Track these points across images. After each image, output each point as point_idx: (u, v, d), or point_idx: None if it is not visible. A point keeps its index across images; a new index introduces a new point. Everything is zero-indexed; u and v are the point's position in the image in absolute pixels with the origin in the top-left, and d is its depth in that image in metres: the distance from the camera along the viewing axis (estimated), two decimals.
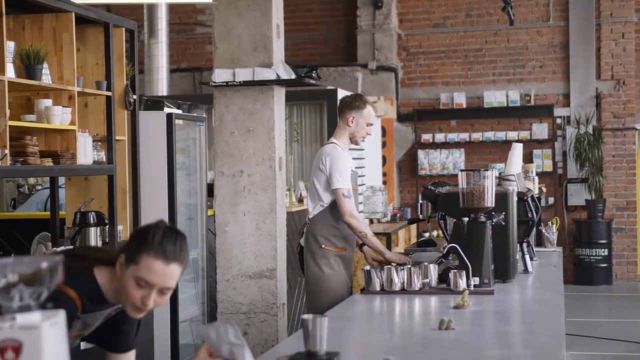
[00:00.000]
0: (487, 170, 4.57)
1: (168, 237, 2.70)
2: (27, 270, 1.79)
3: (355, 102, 5.45)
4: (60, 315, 1.83)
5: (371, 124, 5.48)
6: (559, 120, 13.17)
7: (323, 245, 5.34)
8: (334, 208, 5.29)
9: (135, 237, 2.76)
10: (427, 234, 10.72)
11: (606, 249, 12.64)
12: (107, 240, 5.84)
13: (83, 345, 4.82)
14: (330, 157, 5.31)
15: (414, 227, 11.33)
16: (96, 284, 2.78)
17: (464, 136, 13.25)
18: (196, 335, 7.03)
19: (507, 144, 11.90)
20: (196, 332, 6.66)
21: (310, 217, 5.43)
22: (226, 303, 5.85)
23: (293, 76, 5.79)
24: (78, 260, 2.82)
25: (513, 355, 3.14)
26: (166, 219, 6.48)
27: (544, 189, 11.38)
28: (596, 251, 12.61)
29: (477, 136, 13.21)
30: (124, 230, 6.09)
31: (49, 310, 1.82)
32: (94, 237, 5.64)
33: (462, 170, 4.62)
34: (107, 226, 5.81)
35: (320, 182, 5.34)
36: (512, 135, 13.01)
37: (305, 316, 2.81)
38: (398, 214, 11.09)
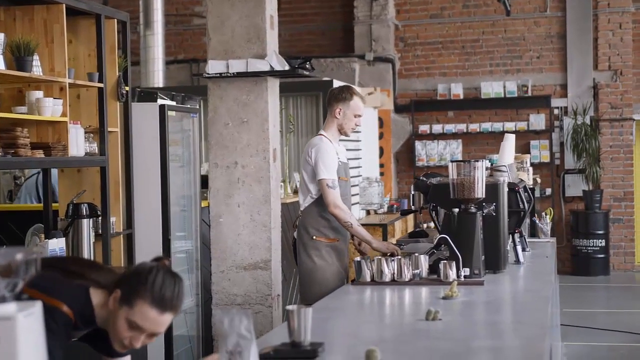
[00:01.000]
0: (478, 161, 4.57)
1: (167, 285, 2.68)
2: (1, 261, 1.80)
3: (342, 93, 5.47)
4: (36, 307, 1.83)
5: (359, 115, 5.49)
6: (556, 111, 13.16)
7: (314, 237, 5.37)
8: (323, 199, 5.32)
9: (134, 275, 2.71)
10: (424, 225, 10.73)
11: (603, 240, 12.64)
12: (99, 232, 5.84)
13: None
14: (316, 148, 5.34)
15: (410, 218, 11.34)
16: (90, 305, 2.75)
17: (461, 127, 13.24)
18: (190, 327, 7.04)
19: (504, 134, 11.90)
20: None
21: (301, 209, 5.47)
22: (221, 294, 5.86)
23: (287, 67, 5.78)
24: (76, 278, 2.79)
25: (497, 345, 3.15)
26: (159, 211, 6.53)
27: (539, 180, 11.36)
28: (593, 242, 12.62)
29: (474, 127, 13.21)
30: (116, 222, 6.09)
31: (24, 301, 1.82)
32: (87, 228, 5.64)
33: (452, 161, 4.62)
34: (99, 218, 5.81)
35: (308, 174, 5.39)
36: (510, 126, 13.01)
37: (290, 307, 2.82)
38: (395, 205, 11.09)
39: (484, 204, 4.62)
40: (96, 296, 2.75)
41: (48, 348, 2.10)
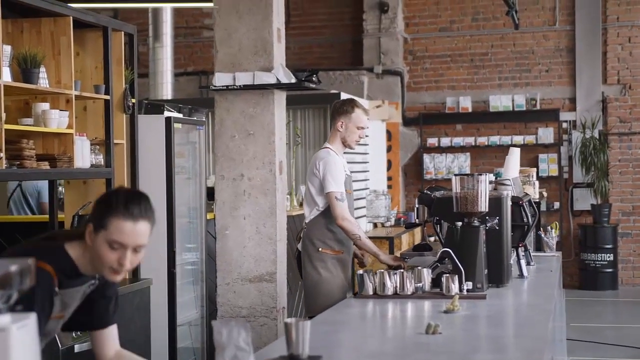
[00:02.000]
0: (481, 174, 4.57)
1: (131, 197, 2.81)
2: None
3: (344, 106, 5.53)
4: (30, 318, 1.84)
5: (362, 128, 5.53)
6: (564, 125, 13.14)
7: (320, 249, 5.41)
8: (330, 212, 5.35)
9: (99, 204, 2.84)
10: (432, 239, 10.71)
11: (612, 254, 12.60)
12: None
13: (78, 347, 4.86)
14: (324, 161, 5.39)
15: (418, 231, 11.33)
16: (69, 258, 2.86)
17: (469, 140, 13.24)
18: (194, 339, 7.04)
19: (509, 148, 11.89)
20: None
21: (306, 221, 5.51)
22: (226, 307, 5.87)
23: (293, 80, 5.80)
24: (49, 241, 2.93)
25: (497, 358, 3.14)
26: (165, 223, 6.53)
27: (545, 194, 11.34)
28: (602, 256, 12.57)
29: (482, 140, 13.20)
30: None
31: (18, 312, 1.84)
32: None
33: (456, 175, 4.62)
34: None
35: (315, 187, 5.43)
36: (518, 139, 12.99)
37: (288, 320, 2.83)
38: (402, 218, 11.08)
39: (487, 217, 4.61)
40: (73, 249, 2.87)
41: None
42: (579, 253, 12.84)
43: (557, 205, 12.93)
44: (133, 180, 6.26)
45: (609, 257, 12.57)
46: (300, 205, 8.90)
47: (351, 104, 5.54)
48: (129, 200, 2.79)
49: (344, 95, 10.75)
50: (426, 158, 13.36)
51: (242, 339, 2.55)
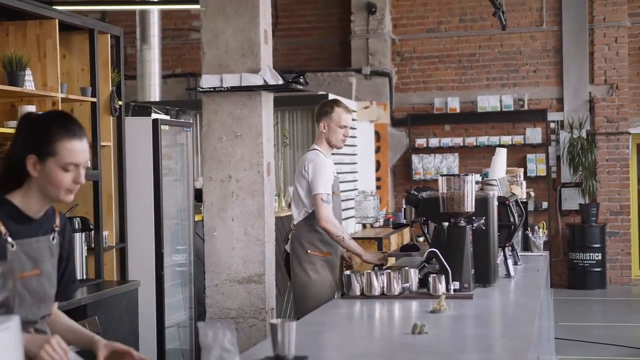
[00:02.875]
0: (467, 175, 4.58)
1: (67, 119, 2.84)
2: None
3: (324, 107, 5.63)
4: (14, 321, 1.84)
5: (344, 126, 5.60)
6: (552, 125, 13.18)
7: (309, 251, 5.45)
8: None
9: (34, 133, 2.81)
10: (421, 239, 10.73)
11: (600, 253, 12.64)
12: (92, 246, 5.85)
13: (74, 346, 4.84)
14: (313, 163, 5.46)
15: (407, 231, 11.34)
16: (13, 205, 2.84)
17: (457, 141, 13.26)
18: (183, 341, 7.03)
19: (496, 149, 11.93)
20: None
21: (294, 222, 5.55)
22: (215, 308, 5.86)
23: (280, 82, 5.80)
24: None
25: (483, 358, 3.16)
26: (152, 224, 6.53)
27: (532, 194, 11.38)
28: (590, 255, 12.62)
29: (471, 141, 13.23)
30: (109, 236, 6.10)
31: (1, 315, 1.84)
32: (79, 242, 5.65)
33: (442, 175, 4.64)
34: (92, 232, 5.83)
35: (303, 189, 5.49)
36: (506, 139, 13.03)
37: (274, 321, 2.83)
38: (391, 219, 11.09)
39: (473, 217, 4.63)
40: (13, 197, 2.84)
41: None
42: (568, 252, 12.88)
43: (545, 205, 12.97)
44: (120, 182, 6.26)
45: (597, 256, 12.62)
46: (289, 206, 8.90)
47: (331, 104, 5.64)
48: (67, 121, 2.82)
49: (332, 97, 10.76)
50: (415, 159, 13.38)
51: (228, 340, 2.56)
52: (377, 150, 12.86)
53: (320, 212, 5.33)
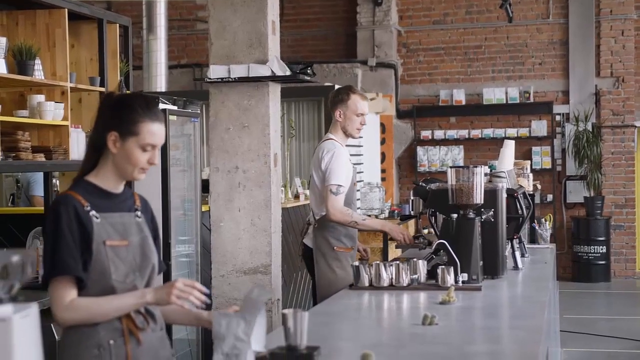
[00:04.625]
0: (476, 167, 4.58)
1: (150, 102, 2.97)
2: None
3: (339, 95, 5.48)
4: (32, 308, 1.85)
5: (361, 114, 5.45)
6: (558, 118, 13.18)
7: (335, 247, 5.33)
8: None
9: (118, 111, 2.94)
10: (426, 231, 10.73)
11: (604, 246, 12.65)
12: None
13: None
14: (330, 154, 5.33)
15: (412, 223, 11.35)
16: (90, 183, 2.97)
17: (463, 133, 13.26)
18: (189, 331, 7.05)
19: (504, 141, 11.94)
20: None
21: (317, 217, 5.39)
22: (221, 299, 5.87)
23: (288, 73, 5.78)
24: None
25: (492, 350, 3.16)
26: (160, 215, 6.53)
27: (539, 186, 11.38)
28: (594, 248, 12.62)
29: (476, 133, 13.23)
30: None
31: (20, 303, 1.84)
32: None
33: (451, 167, 4.63)
34: None
35: (321, 180, 5.35)
36: (511, 132, 13.02)
37: (286, 311, 2.83)
38: (396, 211, 11.09)
39: (482, 209, 4.63)
40: (91, 177, 2.97)
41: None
42: (572, 245, 12.88)
43: (550, 197, 12.97)
44: None
45: (601, 249, 12.62)
46: (295, 197, 8.90)
47: (346, 91, 5.48)
48: (150, 104, 2.95)
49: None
50: (420, 151, 13.38)
51: (241, 329, 2.57)
52: (382, 142, 12.86)
53: (327, 205, 5.23)
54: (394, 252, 9.12)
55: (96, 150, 2.97)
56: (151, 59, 11.53)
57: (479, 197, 4.54)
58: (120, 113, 2.93)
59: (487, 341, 3.33)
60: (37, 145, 5.33)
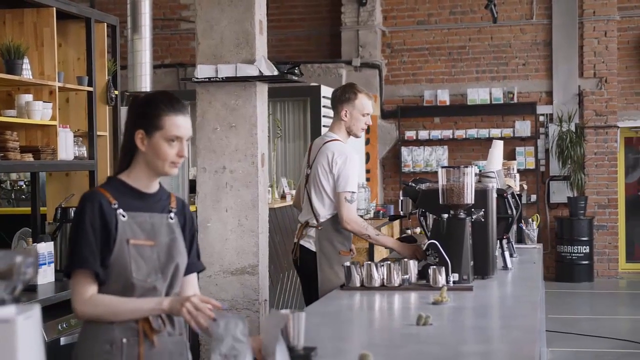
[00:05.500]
0: (467, 167, 4.59)
1: (172, 97, 3.04)
2: (1, 265, 1.80)
3: (346, 94, 5.27)
4: (35, 310, 1.83)
5: (367, 114, 5.29)
6: (541, 118, 13.23)
7: (341, 252, 5.21)
8: None
9: (142, 109, 3.02)
10: (409, 231, 10.74)
11: (587, 246, 12.71)
12: None
13: (64, 340, 4.83)
14: (343, 158, 5.15)
15: (396, 224, 11.36)
16: (122, 182, 3.03)
17: (447, 133, 13.30)
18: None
19: (490, 141, 11.87)
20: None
21: (321, 220, 5.21)
22: None
23: (275, 72, 5.78)
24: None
25: (488, 350, 3.17)
26: None
27: (525, 186, 11.41)
28: (578, 248, 12.68)
29: (460, 133, 13.26)
30: None
31: (23, 304, 1.83)
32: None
33: (442, 167, 4.63)
34: None
35: (330, 184, 5.17)
36: (495, 132, 13.07)
37: (283, 312, 2.82)
38: (381, 211, 11.10)
39: (473, 209, 4.64)
40: (123, 176, 3.03)
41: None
42: (555, 245, 12.94)
43: (533, 197, 13.02)
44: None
45: (584, 249, 12.68)
46: (282, 197, 8.88)
47: (353, 90, 5.27)
48: (171, 99, 3.01)
49: (324, 88, 10.76)
50: (404, 151, 13.40)
51: (239, 330, 2.56)
52: (367, 142, 12.87)
53: (343, 212, 5.05)
54: (379, 252, 9.13)
55: (128, 152, 3.02)
56: (136, 58, 11.44)
57: (469, 197, 4.55)
58: (144, 111, 3.00)
59: (483, 341, 3.33)
60: (25, 145, 5.29)
